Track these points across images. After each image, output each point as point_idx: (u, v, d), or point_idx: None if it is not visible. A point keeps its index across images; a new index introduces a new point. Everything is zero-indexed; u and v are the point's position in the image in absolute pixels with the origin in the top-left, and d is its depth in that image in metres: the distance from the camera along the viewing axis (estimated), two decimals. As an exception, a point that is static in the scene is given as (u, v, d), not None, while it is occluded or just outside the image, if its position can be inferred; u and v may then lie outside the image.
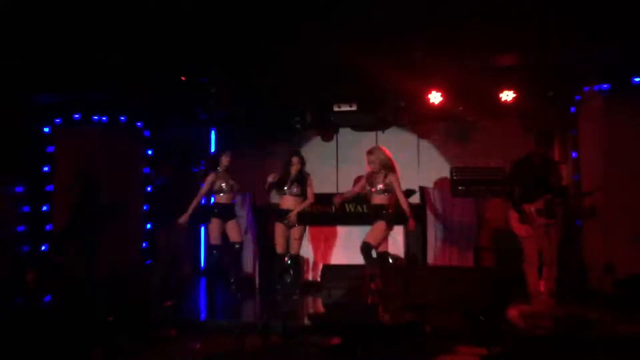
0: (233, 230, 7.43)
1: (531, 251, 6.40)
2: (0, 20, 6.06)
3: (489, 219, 7.83)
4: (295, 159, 7.21)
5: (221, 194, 7.34)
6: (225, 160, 7.40)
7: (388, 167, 6.81)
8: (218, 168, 7.39)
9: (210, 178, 7.31)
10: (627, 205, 6.95)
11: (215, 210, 7.36)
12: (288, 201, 7.19)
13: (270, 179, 7.13)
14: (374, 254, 6.71)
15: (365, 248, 6.66)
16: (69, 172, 8.21)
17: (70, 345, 5.22)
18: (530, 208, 6.37)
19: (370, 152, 6.92)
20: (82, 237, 8.10)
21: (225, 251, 7.41)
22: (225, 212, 7.38)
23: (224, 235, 7.44)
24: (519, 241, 6.52)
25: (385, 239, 6.85)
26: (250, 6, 5.99)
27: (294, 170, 7.20)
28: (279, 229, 7.19)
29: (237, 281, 7.50)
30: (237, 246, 7.44)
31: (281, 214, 7.20)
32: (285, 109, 8.31)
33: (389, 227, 6.82)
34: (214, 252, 7.41)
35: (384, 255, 6.76)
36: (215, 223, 7.34)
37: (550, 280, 6.36)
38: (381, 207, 6.78)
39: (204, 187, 7.34)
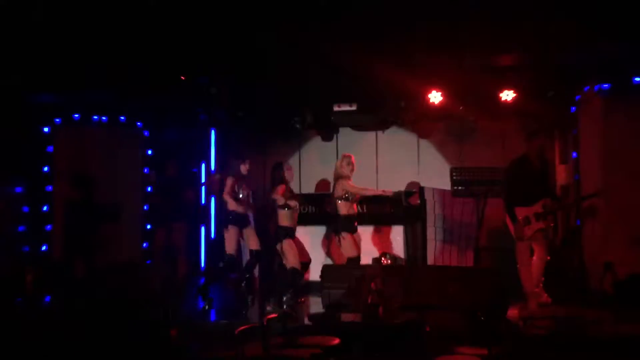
0: (252, 238, 7.33)
1: (524, 253, 6.42)
2: (0, 20, 6.06)
3: (489, 219, 7.81)
4: (291, 168, 7.15)
5: (238, 201, 7.17)
6: (243, 168, 7.25)
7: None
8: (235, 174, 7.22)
9: (230, 182, 7.15)
10: (627, 205, 6.94)
11: (231, 218, 7.22)
12: (290, 217, 7.00)
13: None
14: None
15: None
16: (69, 172, 8.21)
17: (71, 345, 5.22)
18: (528, 213, 6.38)
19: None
20: (82, 238, 8.11)
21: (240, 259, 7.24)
22: (242, 220, 7.27)
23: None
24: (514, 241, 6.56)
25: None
26: (250, 6, 5.99)
27: (291, 180, 7.09)
28: (290, 244, 6.96)
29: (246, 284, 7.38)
30: (255, 253, 7.32)
31: (288, 232, 6.99)
32: (285, 109, 8.31)
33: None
34: (227, 260, 7.18)
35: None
36: (232, 231, 7.18)
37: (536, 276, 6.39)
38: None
39: (228, 190, 7.13)
